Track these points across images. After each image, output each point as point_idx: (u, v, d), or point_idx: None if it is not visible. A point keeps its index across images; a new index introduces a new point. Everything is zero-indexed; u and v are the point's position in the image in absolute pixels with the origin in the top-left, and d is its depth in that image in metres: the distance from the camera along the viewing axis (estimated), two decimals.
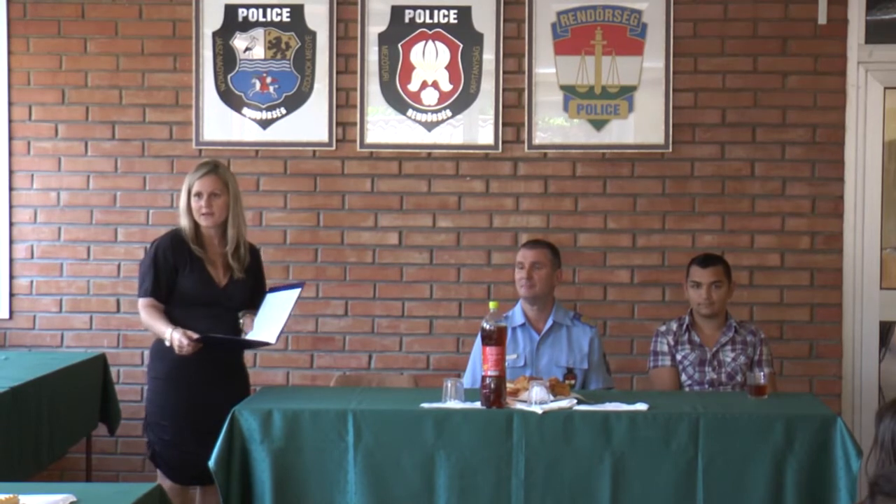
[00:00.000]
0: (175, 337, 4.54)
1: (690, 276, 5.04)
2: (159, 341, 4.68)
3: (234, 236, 4.75)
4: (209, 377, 4.68)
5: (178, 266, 4.68)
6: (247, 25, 5.81)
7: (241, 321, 4.77)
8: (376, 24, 5.78)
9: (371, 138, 5.80)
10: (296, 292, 4.72)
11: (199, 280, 4.69)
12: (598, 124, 5.76)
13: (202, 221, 4.70)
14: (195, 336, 4.54)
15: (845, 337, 5.74)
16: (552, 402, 4.27)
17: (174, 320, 4.63)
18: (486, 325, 4.24)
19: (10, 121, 5.88)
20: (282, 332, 4.64)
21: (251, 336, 4.67)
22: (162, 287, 4.68)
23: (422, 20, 5.78)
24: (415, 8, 5.77)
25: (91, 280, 5.88)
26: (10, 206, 5.89)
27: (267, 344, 4.68)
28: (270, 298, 4.77)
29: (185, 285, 4.68)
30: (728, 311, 5.09)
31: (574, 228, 5.77)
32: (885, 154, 5.74)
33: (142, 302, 4.72)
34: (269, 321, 4.67)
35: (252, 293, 4.81)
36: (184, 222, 4.72)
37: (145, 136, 5.86)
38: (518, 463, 4.17)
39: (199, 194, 4.68)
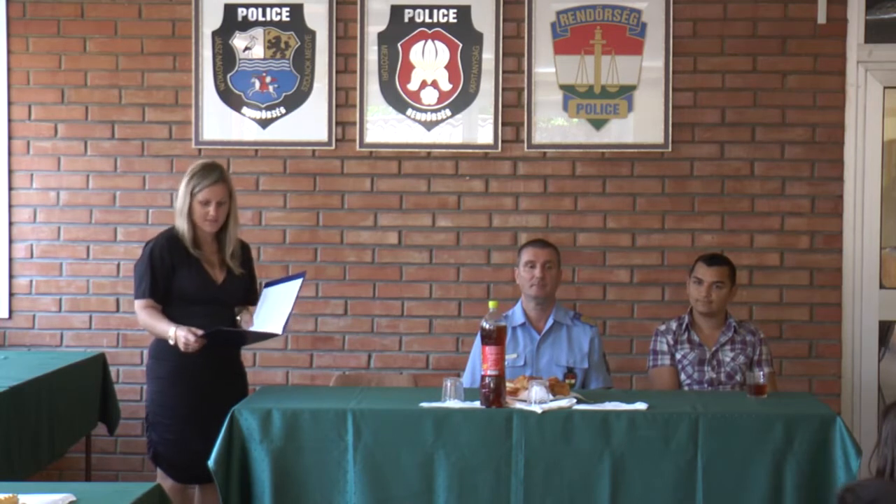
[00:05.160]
0: (180, 335, 4.54)
1: (695, 271, 5.04)
2: (159, 341, 4.67)
3: (235, 239, 4.76)
4: (212, 376, 4.68)
5: (176, 266, 4.67)
6: (246, 25, 5.81)
7: (238, 318, 4.77)
8: (376, 24, 5.78)
9: (370, 138, 5.80)
10: (298, 283, 4.70)
11: (198, 279, 4.68)
12: (598, 124, 5.76)
13: (207, 228, 4.69)
14: (200, 332, 4.54)
15: (845, 336, 5.74)
16: (552, 401, 4.27)
17: (173, 319, 4.63)
18: (486, 325, 4.24)
19: (9, 120, 5.88)
20: (287, 322, 4.63)
21: (266, 328, 4.66)
22: (159, 288, 4.67)
23: (421, 20, 5.78)
24: (414, 7, 5.77)
25: (90, 279, 5.88)
26: (10, 206, 5.88)
27: (274, 335, 4.68)
28: (269, 292, 4.76)
29: (184, 284, 4.68)
30: (728, 310, 5.09)
31: (573, 228, 5.77)
32: (884, 154, 5.74)
33: (139, 303, 4.71)
34: (272, 313, 4.66)
35: (247, 289, 4.82)
36: (182, 224, 4.69)
37: (145, 135, 5.86)
38: (517, 462, 4.17)
39: (206, 202, 4.66)
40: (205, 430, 4.56)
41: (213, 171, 4.70)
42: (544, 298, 5.00)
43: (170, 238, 4.72)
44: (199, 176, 4.68)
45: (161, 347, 4.67)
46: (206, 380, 4.67)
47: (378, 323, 5.83)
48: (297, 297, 4.67)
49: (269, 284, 4.84)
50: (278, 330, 4.62)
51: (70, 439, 5.16)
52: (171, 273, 4.67)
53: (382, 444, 4.22)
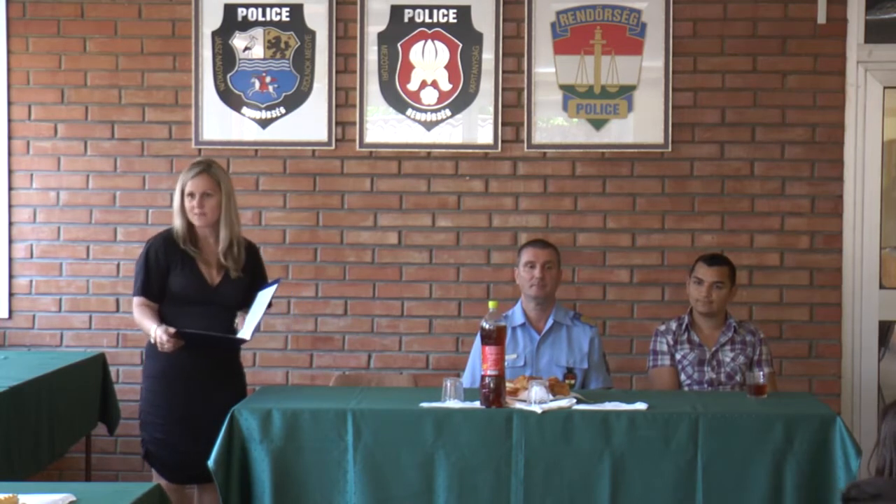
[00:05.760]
0: (158, 333, 4.55)
1: (695, 272, 5.04)
2: None
3: (227, 236, 4.72)
4: (203, 376, 4.67)
5: (170, 265, 4.68)
6: (246, 25, 5.81)
7: (236, 321, 4.77)
8: (376, 24, 5.78)
9: (370, 138, 5.80)
10: (272, 289, 4.72)
11: (190, 279, 4.68)
12: (598, 124, 5.76)
13: (195, 221, 4.70)
14: (172, 330, 4.54)
15: (844, 336, 5.74)
16: (552, 401, 4.27)
17: (167, 319, 4.64)
18: (486, 325, 4.24)
19: (9, 120, 5.87)
20: (256, 328, 4.64)
21: (239, 334, 4.66)
22: (153, 286, 4.69)
23: (421, 20, 5.78)
24: (414, 7, 5.77)
25: (90, 279, 5.88)
26: (10, 206, 5.88)
27: (242, 341, 4.67)
28: (258, 296, 4.76)
29: (176, 284, 4.68)
30: (728, 310, 5.09)
31: (573, 228, 5.77)
32: (884, 153, 5.74)
33: (134, 301, 4.76)
34: (251, 318, 4.68)
35: (249, 291, 4.79)
36: (177, 222, 4.72)
37: (145, 135, 5.86)
38: (517, 462, 4.18)
39: (191, 194, 4.68)
40: (195, 431, 4.58)
41: (199, 164, 4.76)
42: (544, 299, 5.00)
43: (167, 237, 4.74)
44: (187, 170, 4.75)
45: (153, 346, 4.68)
46: (200, 380, 4.67)
47: (378, 323, 5.83)
48: (270, 304, 4.70)
49: (259, 288, 4.84)
50: (246, 336, 4.63)
51: (70, 439, 5.16)
52: (165, 272, 4.68)
53: (382, 444, 4.22)
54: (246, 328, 4.65)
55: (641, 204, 5.77)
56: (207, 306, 4.70)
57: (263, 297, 4.69)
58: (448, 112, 5.79)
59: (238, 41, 5.81)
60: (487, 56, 5.76)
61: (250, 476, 4.25)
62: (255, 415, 4.25)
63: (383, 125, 5.81)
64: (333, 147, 5.80)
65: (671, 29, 5.70)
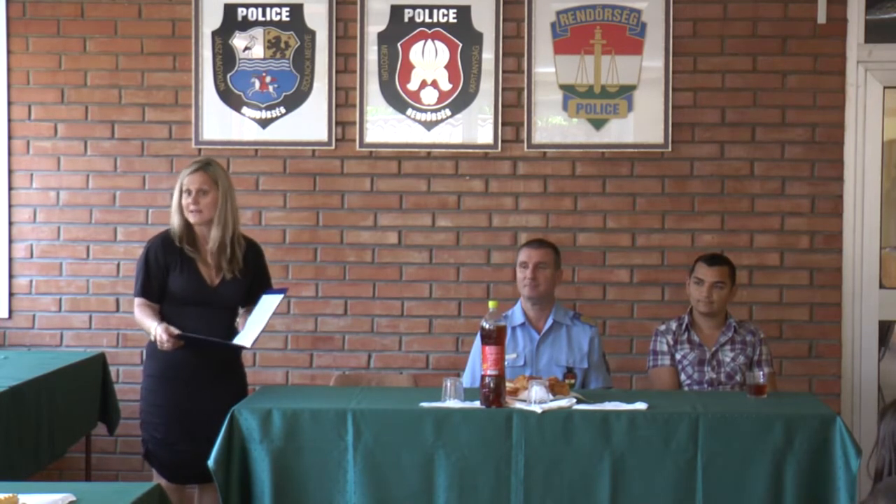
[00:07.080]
0: (158, 332, 4.56)
1: (695, 272, 5.04)
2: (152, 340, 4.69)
3: (218, 236, 4.70)
4: (203, 377, 4.67)
5: (169, 266, 4.68)
6: (246, 25, 5.81)
7: (238, 320, 4.76)
8: (376, 24, 5.78)
9: (370, 137, 5.80)
10: (279, 297, 4.72)
11: (189, 280, 4.68)
12: (598, 123, 5.76)
13: (190, 218, 4.70)
14: (175, 332, 4.54)
15: (844, 336, 5.74)
16: (551, 401, 4.27)
17: (168, 319, 4.64)
18: (486, 325, 4.24)
19: (9, 120, 5.88)
20: (258, 337, 4.63)
21: (237, 339, 4.65)
22: (153, 287, 4.69)
23: (421, 19, 5.78)
24: (414, 7, 5.77)
25: (90, 279, 5.88)
26: (10, 206, 5.88)
27: (242, 348, 4.66)
28: (263, 300, 4.73)
29: (175, 285, 4.68)
30: (728, 310, 5.09)
31: (573, 228, 5.77)
32: (884, 153, 5.74)
33: (135, 301, 4.76)
34: (253, 323, 4.66)
35: (250, 291, 4.78)
36: (175, 220, 4.72)
37: (145, 135, 5.86)
38: (517, 462, 4.18)
39: (188, 191, 4.69)
40: (194, 431, 4.58)
41: (197, 162, 4.79)
42: (539, 298, 4.99)
43: (165, 238, 4.74)
44: (185, 169, 4.76)
45: (154, 346, 4.68)
46: (198, 380, 4.67)
47: (378, 323, 5.83)
48: (274, 313, 4.68)
49: (266, 291, 4.82)
50: (247, 344, 4.62)
51: (70, 439, 5.16)
52: (165, 273, 4.68)
53: (382, 444, 4.22)
54: (247, 334, 4.63)
55: (641, 204, 5.77)
56: (207, 307, 4.69)
57: (268, 304, 4.68)
58: (448, 112, 5.79)
59: (238, 41, 5.81)
60: (487, 56, 5.76)
61: (250, 476, 4.25)
62: (255, 415, 4.24)
63: (383, 125, 5.81)
64: (333, 147, 5.80)
65: (671, 29, 5.70)
